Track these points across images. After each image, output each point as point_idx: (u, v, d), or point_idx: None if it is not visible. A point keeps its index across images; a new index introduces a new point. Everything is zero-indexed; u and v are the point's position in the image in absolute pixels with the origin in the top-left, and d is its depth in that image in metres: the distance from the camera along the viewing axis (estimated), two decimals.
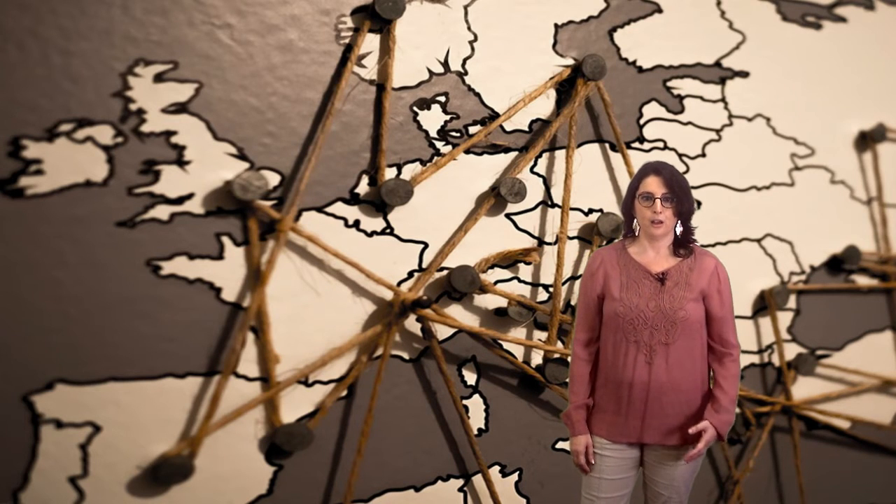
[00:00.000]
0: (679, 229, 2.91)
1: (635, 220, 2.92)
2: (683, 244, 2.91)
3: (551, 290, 3.59)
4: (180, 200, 2.97)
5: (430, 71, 3.37)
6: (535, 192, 3.57)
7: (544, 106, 3.58)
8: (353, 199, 3.25)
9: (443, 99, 3.38)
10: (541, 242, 3.60)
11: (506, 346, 3.51)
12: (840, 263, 4.22)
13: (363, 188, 3.27)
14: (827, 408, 4.19)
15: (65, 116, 2.81)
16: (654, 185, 2.86)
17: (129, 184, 2.90)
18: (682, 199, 2.87)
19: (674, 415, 2.84)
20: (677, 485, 2.91)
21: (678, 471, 2.90)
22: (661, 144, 3.82)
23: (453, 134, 3.41)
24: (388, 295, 3.31)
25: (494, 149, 3.49)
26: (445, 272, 3.40)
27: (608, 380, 2.90)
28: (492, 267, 3.50)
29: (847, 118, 4.27)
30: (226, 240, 3.05)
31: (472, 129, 3.44)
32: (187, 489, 3.01)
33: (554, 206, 3.60)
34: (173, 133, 2.96)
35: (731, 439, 3.98)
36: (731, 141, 3.98)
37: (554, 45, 3.59)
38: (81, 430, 2.88)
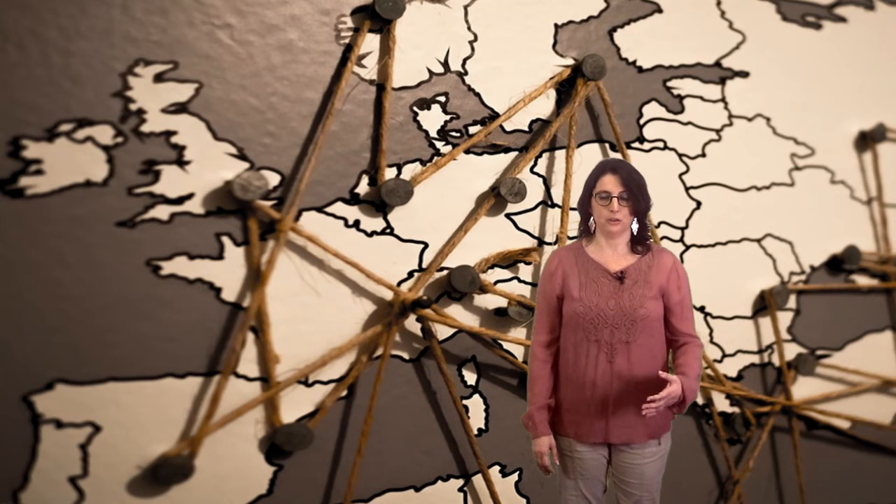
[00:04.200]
0: (635, 227, 2.89)
1: (591, 218, 2.91)
2: (640, 241, 2.91)
3: None
4: (180, 200, 2.97)
5: (430, 71, 3.37)
6: (535, 192, 3.57)
7: (544, 106, 3.57)
8: (353, 199, 3.25)
9: (443, 99, 3.38)
10: (541, 242, 3.60)
11: (506, 346, 3.51)
12: (840, 263, 4.22)
13: (363, 188, 3.26)
14: (827, 408, 4.19)
15: (65, 116, 2.81)
16: (610, 183, 2.86)
17: (129, 184, 2.90)
18: (638, 198, 2.86)
19: (637, 413, 2.83)
20: (647, 483, 2.92)
21: (647, 469, 2.91)
22: (661, 144, 3.82)
23: (453, 134, 3.41)
24: (388, 295, 3.31)
25: (494, 149, 3.49)
26: (445, 272, 3.40)
27: (569, 380, 2.90)
28: (492, 267, 3.49)
29: (847, 118, 4.27)
30: (226, 240, 3.05)
31: (472, 129, 3.44)
32: (187, 489, 3.01)
33: (554, 206, 3.60)
34: (173, 133, 2.96)
35: (731, 439, 3.98)
36: (731, 141, 3.98)
37: (554, 45, 3.59)
38: (81, 430, 2.88)
